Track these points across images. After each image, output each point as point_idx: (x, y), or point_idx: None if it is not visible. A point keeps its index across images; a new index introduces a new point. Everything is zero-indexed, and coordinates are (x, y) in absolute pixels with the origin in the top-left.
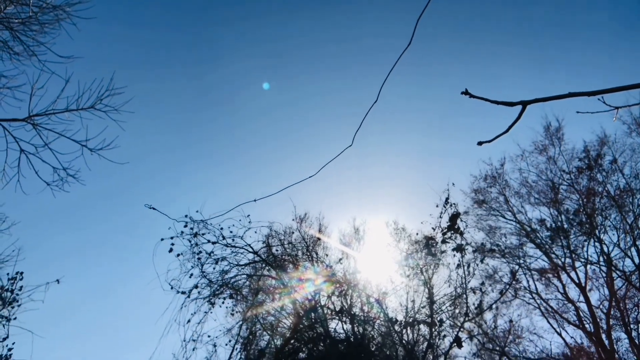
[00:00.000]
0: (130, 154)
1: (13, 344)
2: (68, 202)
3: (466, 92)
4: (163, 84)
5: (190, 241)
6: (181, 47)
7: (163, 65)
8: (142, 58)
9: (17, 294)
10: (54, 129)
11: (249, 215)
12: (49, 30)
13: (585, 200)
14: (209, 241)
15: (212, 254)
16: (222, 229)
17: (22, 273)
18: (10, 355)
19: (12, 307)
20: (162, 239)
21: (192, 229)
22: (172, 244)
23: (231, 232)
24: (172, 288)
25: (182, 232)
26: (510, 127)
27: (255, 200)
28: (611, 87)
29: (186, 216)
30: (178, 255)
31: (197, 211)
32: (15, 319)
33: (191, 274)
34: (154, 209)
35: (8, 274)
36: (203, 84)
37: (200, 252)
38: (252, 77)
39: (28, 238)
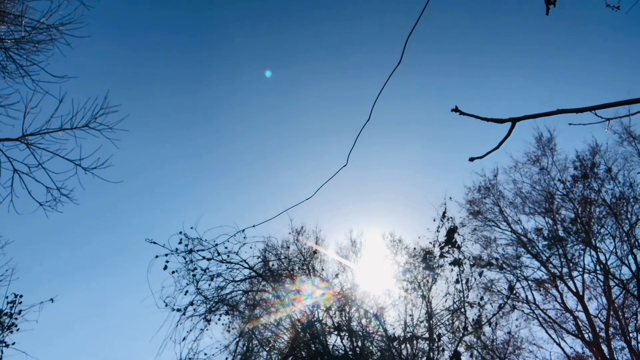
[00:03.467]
0: (124, 172)
1: None
2: (62, 221)
3: (456, 109)
4: (157, 101)
5: (185, 258)
6: (175, 64)
7: (157, 83)
8: (137, 75)
9: (16, 318)
10: (48, 148)
11: (244, 231)
12: (42, 49)
13: (581, 209)
14: (203, 257)
15: (207, 271)
16: (217, 245)
17: (21, 296)
18: None
19: (11, 332)
20: (156, 257)
21: (186, 245)
22: (167, 261)
23: (226, 247)
24: (166, 306)
25: (177, 249)
26: (500, 143)
27: (254, 226)
28: (599, 104)
29: (180, 233)
30: (173, 272)
31: (191, 227)
32: (14, 344)
33: (186, 291)
34: (154, 243)
35: (7, 297)
36: (196, 100)
37: (196, 268)
38: (244, 94)
39: (22, 258)
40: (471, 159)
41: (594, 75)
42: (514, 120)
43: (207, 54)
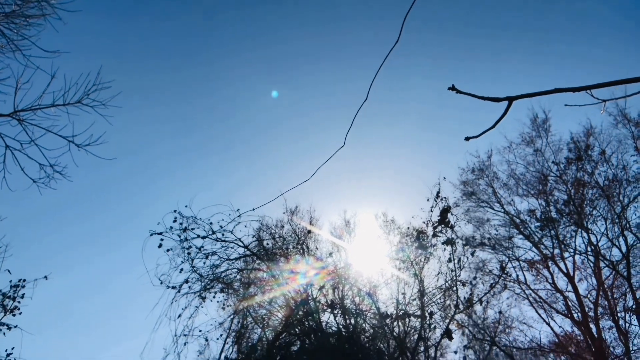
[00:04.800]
0: (118, 149)
1: (12, 348)
2: (55, 198)
3: (453, 88)
4: (151, 77)
5: (179, 236)
6: (170, 39)
7: (151, 58)
8: (131, 51)
9: (19, 302)
10: (40, 125)
11: (238, 209)
12: (33, 23)
13: (574, 191)
14: (198, 236)
15: (202, 249)
16: (211, 223)
17: (24, 280)
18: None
19: (14, 315)
20: (151, 234)
21: (181, 223)
22: (162, 240)
23: (221, 226)
24: (162, 283)
25: (172, 227)
26: (496, 122)
27: (253, 209)
28: (596, 83)
29: (175, 211)
30: (168, 250)
31: (186, 206)
32: (16, 326)
33: (181, 269)
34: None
35: (10, 281)
36: (191, 76)
37: (190, 247)
38: (244, 71)
39: (15, 234)
40: (467, 138)
41: (592, 58)
42: (510, 99)
43: (207, 27)
